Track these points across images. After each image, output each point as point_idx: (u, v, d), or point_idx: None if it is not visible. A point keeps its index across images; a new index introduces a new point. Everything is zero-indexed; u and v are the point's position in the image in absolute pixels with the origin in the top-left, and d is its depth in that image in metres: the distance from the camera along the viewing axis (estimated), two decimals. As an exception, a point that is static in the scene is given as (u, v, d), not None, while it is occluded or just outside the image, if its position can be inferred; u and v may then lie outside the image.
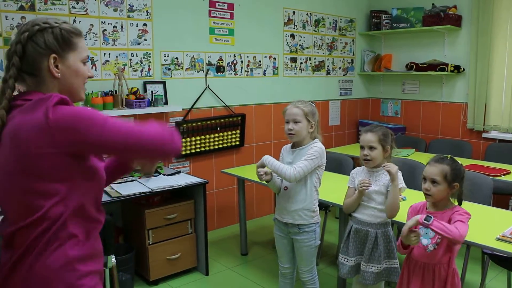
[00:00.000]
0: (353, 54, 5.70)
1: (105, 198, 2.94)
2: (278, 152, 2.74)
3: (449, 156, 2.14)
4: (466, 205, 2.83)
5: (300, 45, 5.04)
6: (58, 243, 1.26)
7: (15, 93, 1.34)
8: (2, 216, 1.36)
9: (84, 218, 1.32)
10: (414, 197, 2.72)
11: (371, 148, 2.46)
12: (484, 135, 4.82)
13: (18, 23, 3.14)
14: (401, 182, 2.44)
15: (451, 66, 4.89)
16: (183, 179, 3.45)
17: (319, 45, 5.26)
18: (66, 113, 1.22)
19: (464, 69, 4.91)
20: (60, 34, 1.31)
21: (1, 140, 1.26)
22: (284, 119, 2.58)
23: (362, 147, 2.51)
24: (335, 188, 3.05)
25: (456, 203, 2.14)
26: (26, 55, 1.29)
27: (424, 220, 1.93)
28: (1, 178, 1.28)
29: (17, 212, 1.28)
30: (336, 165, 3.98)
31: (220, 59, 4.34)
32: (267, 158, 2.53)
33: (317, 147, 2.54)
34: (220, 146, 4.39)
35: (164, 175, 3.55)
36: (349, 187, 2.65)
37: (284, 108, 2.61)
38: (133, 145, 1.28)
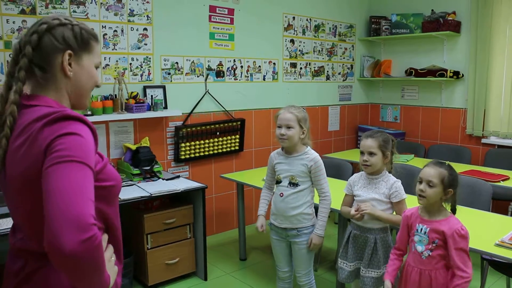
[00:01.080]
0: (353, 60, 5.71)
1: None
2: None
3: (447, 162, 2.14)
4: (465, 210, 2.85)
5: (299, 50, 5.06)
6: None
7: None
8: (12, 225, 1.32)
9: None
10: (413, 203, 2.72)
11: (371, 154, 2.46)
12: (483, 140, 4.82)
13: (19, 26, 3.15)
14: (402, 193, 2.46)
15: (450, 72, 4.91)
16: (182, 184, 3.45)
17: (319, 50, 5.27)
18: (59, 137, 1.12)
19: (463, 75, 4.92)
20: (80, 32, 1.27)
21: (11, 138, 1.20)
22: (276, 124, 2.59)
23: (362, 153, 2.51)
24: (334, 194, 3.03)
25: (449, 209, 2.13)
26: (40, 47, 1.21)
27: None
28: (13, 187, 1.21)
29: (33, 224, 1.19)
30: (336, 170, 3.98)
31: (220, 64, 4.35)
32: (320, 232, 2.60)
33: (319, 161, 2.59)
34: (220, 151, 4.39)
35: (163, 179, 3.55)
36: (346, 194, 2.65)
37: (277, 113, 2.62)
38: (54, 205, 1.03)
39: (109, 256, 1.29)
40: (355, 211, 2.46)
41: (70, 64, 1.25)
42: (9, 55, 3.11)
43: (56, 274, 1.19)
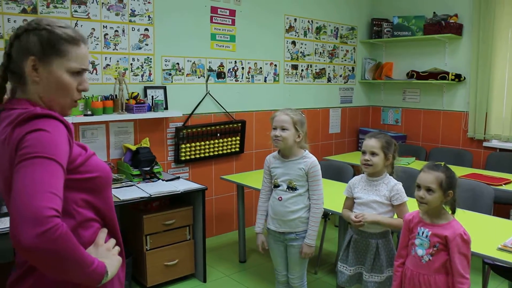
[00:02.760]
0: (354, 62, 5.70)
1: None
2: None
3: (442, 163, 2.11)
4: (467, 214, 2.83)
5: (301, 52, 5.04)
6: None
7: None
8: None
9: (87, 228, 1.29)
10: (414, 206, 2.70)
11: (373, 154, 2.44)
12: (485, 144, 4.81)
13: (20, 25, 3.13)
14: (404, 195, 2.44)
15: (452, 75, 4.89)
16: (182, 185, 3.43)
17: (320, 52, 5.26)
18: (27, 135, 1.13)
19: (465, 78, 4.91)
20: (47, 37, 1.25)
21: None
22: (272, 125, 2.57)
23: (364, 152, 2.49)
24: (334, 196, 3.03)
25: (450, 211, 2.11)
26: (11, 53, 1.26)
27: None
28: (2, 189, 1.25)
29: None
30: (336, 173, 3.97)
31: (221, 65, 4.34)
32: (311, 241, 2.56)
33: (316, 165, 2.56)
34: (220, 152, 4.37)
35: (163, 180, 3.54)
36: (346, 197, 2.63)
37: (273, 114, 2.61)
38: (17, 200, 1.05)
39: (110, 246, 1.32)
40: (355, 217, 2.43)
41: (36, 70, 1.25)
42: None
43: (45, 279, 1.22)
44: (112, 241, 1.35)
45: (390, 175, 2.52)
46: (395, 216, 2.49)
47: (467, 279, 1.97)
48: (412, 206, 2.42)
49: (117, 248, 1.35)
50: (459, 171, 3.88)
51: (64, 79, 1.28)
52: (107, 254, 1.28)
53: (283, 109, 2.58)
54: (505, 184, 3.55)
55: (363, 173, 2.58)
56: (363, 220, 2.40)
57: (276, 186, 2.61)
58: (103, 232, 1.34)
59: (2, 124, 1.23)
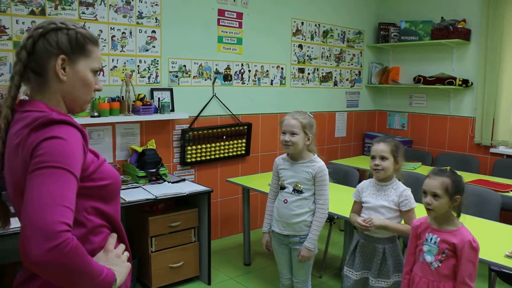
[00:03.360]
0: (361, 66, 5.69)
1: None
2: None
3: (448, 168, 2.09)
4: (474, 220, 2.81)
5: (308, 55, 5.04)
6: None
7: (23, 97, 1.30)
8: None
9: (102, 230, 1.30)
10: (422, 212, 2.69)
11: (383, 158, 2.43)
12: (492, 150, 4.78)
13: (29, 27, 3.15)
14: (412, 201, 2.43)
15: (459, 80, 4.87)
16: (188, 187, 3.44)
17: (327, 56, 5.25)
18: (43, 142, 1.12)
19: (472, 83, 4.88)
20: (75, 37, 1.26)
21: (7, 142, 1.23)
22: (281, 129, 2.56)
23: (373, 157, 2.48)
24: (340, 200, 3.02)
25: (455, 215, 2.09)
26: (35, 52, 1.23)
27: None
28: (9, 191, 1.25)
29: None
30: (342, 177, 3.96)
31: (228, 68, 4.34)
32: (310, 245, 2.54)
33: (324, 170, 2.55)
34: (226, 155, 4.37)
35: (168, 182, 3.54)
36: (354, 201, 2.63)
37: (282, 118, 2.59)
38: (27, 212, 1.05)
39: (120, 252, 1.32)
40: (363, 221, 2.42)
41: (64, 69, 1.25)
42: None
43: None
44: (122, 247, 1.35)
45: (398, 180, 2.51)
46: (402, 222, 2.48)
47: (470, 287, 1.96)
48: (419, 212, 2.41)
49: (126, 254, 1.34)
50: (466, 177, 3.85)
51: (88, 78, 1.30)
52: (116, 261, 1.27)
53: (292, 113, 2.57)
54: (512, 190, 3.53)
55: (372, 178, 2.57)
56: (371, 225, 2.39)
57: (282, 188, 2.60)
58: (113, 238, 1.33)
59: (17, 125, 1.21)
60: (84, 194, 1.22)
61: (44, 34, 1.24)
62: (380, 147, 2.45)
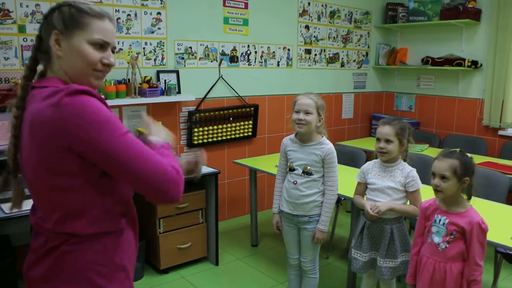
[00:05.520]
0: (368, 47, 5.64)
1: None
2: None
3: (458, 149, 2.08)
4: (481, 202, 2.80)
5: (314, 36, 5.00)
6: (95, 238, 1.26)
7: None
8: (32, 204, 1.36)
9: (115, 214, 1.31)
10: (429, 193, 2.69)
11: (388, 141, 2.42)
12: (500, 132, 4.75)
13: (33, 10, 3.14)
14: (418, 182, 2.43)
15: (468, 61, 4.81)
16: (195, 169, 3.44)
17: (334, 37, 5.20)
18: (80, 110, 1.14)
19: (481, 65, 4.83)
20: (69, 11, 1.26)
21: (22, 124, 1.25)
22: (294, 109, 2.55)
23: (378, 139, 2.47)
24: (347, 182, 3.02)
25: (466, 197, 2.09)
26: (40, 33, 1.30)
27: None
28: (27, 170, 1.27)
29: (45, 205, 1.27)
30: (349, 158, 3.95)
31: (234, 49, 4.31)
32: (323, 227, 2.57)
33: (333, 152, 2.55)
34: (233, 136, 4.38)
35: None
36: (358, 182, 2.63)
37: (295, 98, 2.57)
38: (141, 173, 1.19)
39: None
40: (370, 209, 2.43)
41: (59, 44, 1.27)
42: (24, 39, 3.12)
43: (73, 253, 1.24)
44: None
45: (403, 160, 2.51)
46: (408, 202, 2.49)
47: (481, 267, 1.99)
48: (425, 193, 2.41)
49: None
50: (474, 159, 3.85)
51: (84, 50, 1.27)
52: (157, 129, 1.46)
53: (305, 93, 2.56)
54: (520, 172, 3.51)
55: (377, 159, 2.57)
56: (379, 213, 2.40)
57: (292, 169, 2.61)
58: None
59: (32, 101, 1.24)
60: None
61: (46, 17, 1.29)
62: (385, 130, 2.44)
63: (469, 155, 2.08)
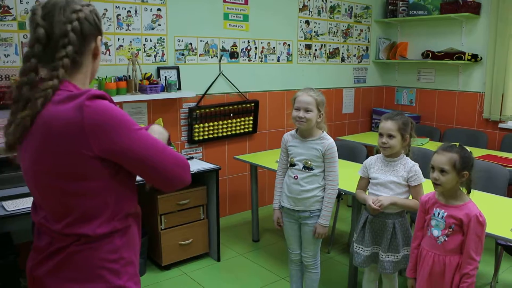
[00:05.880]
0: (368, 42, 5.63)
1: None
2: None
3: (457, 143, 2.09)
4: (481, 195, 2.81)
5: (315, 31, 4.99)
6: (103, 239, 1.26)
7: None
8: (32, 202, 1.35)
9: (125, 213, 1.32)
10: (431, 188, 2.71)
11: (390, 136, 2.43)
12: (501, 125, 4.75)
13: (33, 6, 3.13)
14: (421, 177, 2.44)
15: (468, 55, 4.81)
16: (196, 165, 3.46)
17: (334, 32, 5.20)
18: (102, 112, 1.17)
19: (481, 58, 4.82)
20: (97, 15, 1.30)
21: (32, 126, 1.20)
22: (293, 106, 2.56)
23: (380, 134, 2.48)
24: (348, 176, 3.03)
25: (465, 191, 2.10)
26: (82, 33, 1.24)
27: None
28: (35, 175, 1.24)
29: (56, 210, 1.25)
30: (349, 153, 3.96)
31: (234, 45, 4.31)
32: (325, 222, 2.58)
33: (333, 147, 2.56)
34: (233, 132, 4.38)
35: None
36: (361, 177, 2.63)
37: (295, 94, 2.58)
38: (158, 163, 1.25)
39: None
40: (372, 202, 2.43)
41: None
42: (24, 36, 3.12)
43: (83, 252, 1.24)
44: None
45: (406, 155, 2.51)
46: (410, 197, 2.49)
47: (476, 261, 1.97)
48: (427, 188, 2.42)
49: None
50: (474, 153, 3.82)
51: (100, 51, 1.34)
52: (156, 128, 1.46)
53: (305, 89, 2.56)
54: (520, 165, 3.51)
55: (379, 154, 2.57)
56: (381, 207, 2.40)
57: (292, 165, 2.62)
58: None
59: (51, 107, 1.18)
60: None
61: (85, 16, 1.24)
62: (387, 125, 2.44)
63: (468, 149, 2.09)
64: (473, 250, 1.97)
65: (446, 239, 2.04)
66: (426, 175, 2.43)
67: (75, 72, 1.27)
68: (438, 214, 2.07)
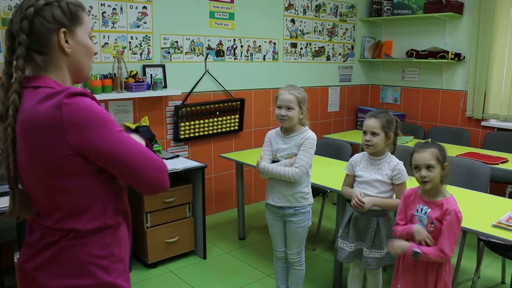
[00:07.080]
0: (354, 40, 5.67)
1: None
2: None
3: (429, 140, 2.14)
4: (464, 192, 2.86)
5: (300, 30, 5.01)
6: (93, 233, 1.27)
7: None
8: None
9: (115, 209, 1.32)
10: (414, 185, 2.75)
11: (374, 134, 2.45)
12: (483, 123, 4.83)
13: (16, 3, 3.10)
14: (405, 175, 2.47)
15: (451, 54, 4.88)
16: (182, 163, 3.46)
17: (320, 30, 5.23)
18: (81, 110, 1.16)
19: (464, 57, 4.89)
20: (67, 7, 1.24)
21: (16, 127, 1.20)
22: (276, 104, 2.58)
23: (364, 132, 2.50)
24: (333, 174, 3.06)
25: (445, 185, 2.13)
26: (33, 32, 1.20)
27: (413, 256, 2.04)
28: (22, 172, 1.25)
29: (45, 206, 1.26)
30: (335, 151, 3.99)
31: (220, 43, 4.32)
32: (263, 167, 2.58)
33: (311, 138, 2.56)
34: (219, 130, 4.39)
35: (163, 159, 3.55)
36: (347, 174, 2.66)
37: (277, 93, 2.60)
38: (138, 166, 1.23)
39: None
40: (357, 199, 2.46)
41: (67, 41, 1.25)
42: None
43: (73, 248, 1.25)
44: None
45: (391, 153, 2.54)
46: (394, 196, 2.52)
47: (446, 255, 1.99)
48: (411, 185, 2.45)
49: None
50: (457, 150, 3.92)
51: (89, 44, 1.32)
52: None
53: (286, 87, 2.58)
54: (501, 163, 3.57)
55: (363, 151, 2.60)
56: (363, 210, 2.43)
57: (275, 161, 2.63)
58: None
59: (26, 101, 1.20)
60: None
61: (37, 11, 1.20)
62: (371, 123, 2.47)
63: (450, 146, 2.13)
64: (446, 245, 1.99)
65: (430, 234, 2.07)
66: (411, 173, 2.47)
67: (50, 68, 1.25)
68: (422, 210, 2.11)
